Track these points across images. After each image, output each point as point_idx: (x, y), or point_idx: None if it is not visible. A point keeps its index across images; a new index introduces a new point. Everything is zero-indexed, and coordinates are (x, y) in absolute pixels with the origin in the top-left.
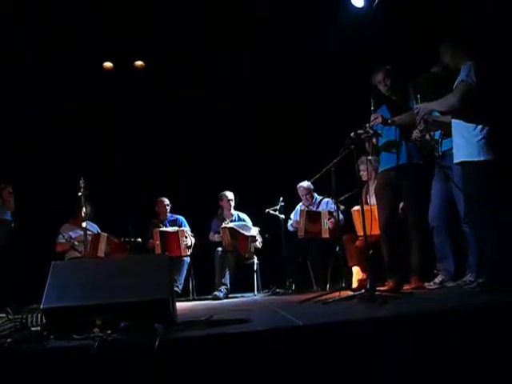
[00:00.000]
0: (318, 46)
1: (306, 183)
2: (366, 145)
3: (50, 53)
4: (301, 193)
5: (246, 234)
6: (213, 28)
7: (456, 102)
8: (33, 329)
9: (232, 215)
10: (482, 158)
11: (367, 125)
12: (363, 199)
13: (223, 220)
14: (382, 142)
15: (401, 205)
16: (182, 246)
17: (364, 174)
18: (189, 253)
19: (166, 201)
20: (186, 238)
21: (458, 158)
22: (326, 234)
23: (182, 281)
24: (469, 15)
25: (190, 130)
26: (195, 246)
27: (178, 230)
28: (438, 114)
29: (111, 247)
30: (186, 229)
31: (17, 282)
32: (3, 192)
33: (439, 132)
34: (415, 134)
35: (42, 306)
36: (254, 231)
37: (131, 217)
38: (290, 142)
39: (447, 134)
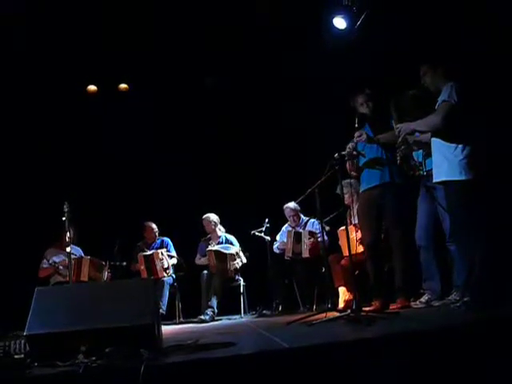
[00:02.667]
0: (301, 67)
1: (292, 204)
2: (347, 165)
3: (32, 75)
4: (287, 214)
5: (226, 252)
6: (197, 50)
7: (439, 121)
8: (16, 356)
9: (219, 237)
10: (463, 178)
11: (349, 144)
12: (348, 220)
13: (209, 243)
14: (364, 162)
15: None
16: (158, 268)
17: (346, 197)
18: (166, 274)
19: (154, 226)
20: (162, 260)
21: (438, 177)
22: (306, 254)
23: (165, 301)
24: (450, 37)
25: (176, 152)
26: (181, 269)
27: (153, 252)
28: (418, 135)
29: (96, 269)
30: (162, 250)
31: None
32: None
33: (421, 152)
34: (399, 158)
35: (25, 333)
36: (234, 250)
37: (117, 240)
38: (275, 164)
39: (429, 153)
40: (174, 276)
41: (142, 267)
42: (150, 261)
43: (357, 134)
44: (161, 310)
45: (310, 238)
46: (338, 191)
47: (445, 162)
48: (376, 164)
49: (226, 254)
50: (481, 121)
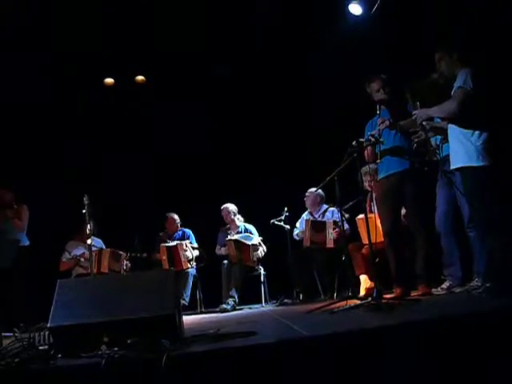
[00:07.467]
0: (318, 54)
1: (315, 190)
2: (366, 153)
3: (50, 68)
4: (309, 199)
5: (248, 243)
6: (211, 42)
7: (455, 107)
8: (40, 348)
9: (238, 227)
10: (481, 164)
11: (373, 131)
12: (367, 207)
13: (228, 233)
14: (383, 149)
15: (403, 211)
16: (183, 259)
17: (367, 184)
18: (190, 266)
19: (176, 217)
20: (186, 251)
21: (456, 163)
22: (330, 244)
23: (189, 293)
24: (465, 22)
25: (195, 143)
26: (202, 259)
27: (177, 244)
28: (438, 120)
29: (115, 260)
30: (186, 242)
31: (25, 302)
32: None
33: (439, 137)
34: (415, 141)
35: (49, 325)
36: (256, 240)
37: (137, 231)
38: (294, 152)
39: (446, 138)
40: (196, 267)
41: (164, 257)
42: (173, 252)
43: (379, 121)
44: (184, 302)
45: (334, 229)
46: (359, 179)
47: (462, 148)
48: (395, 151)
49: (248, 245)
50: (497, 107)
